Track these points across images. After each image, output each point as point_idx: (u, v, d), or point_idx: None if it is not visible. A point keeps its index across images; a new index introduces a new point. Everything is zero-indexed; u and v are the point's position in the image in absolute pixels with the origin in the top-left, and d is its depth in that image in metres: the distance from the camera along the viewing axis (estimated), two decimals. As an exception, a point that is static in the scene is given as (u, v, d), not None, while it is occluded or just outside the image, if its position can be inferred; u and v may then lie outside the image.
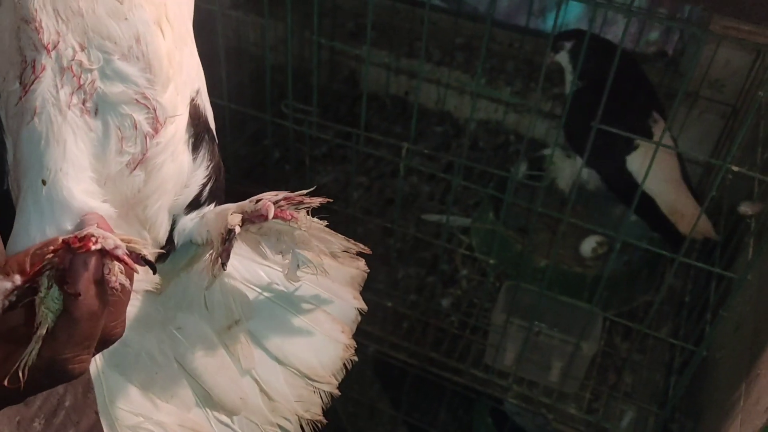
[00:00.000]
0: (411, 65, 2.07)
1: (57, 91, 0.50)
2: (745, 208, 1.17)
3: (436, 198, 1.86)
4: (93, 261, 0.48)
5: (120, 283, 0.49)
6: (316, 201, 0.60)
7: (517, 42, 1.98)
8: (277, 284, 0.68)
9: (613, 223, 1.73)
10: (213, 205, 0.63)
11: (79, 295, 0.48)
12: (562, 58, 1.56)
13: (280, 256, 0.63)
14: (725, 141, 1.70)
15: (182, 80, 0.56)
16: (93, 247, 0.47)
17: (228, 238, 0.58)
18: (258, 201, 0.59)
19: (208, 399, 0.67)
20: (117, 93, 0.51)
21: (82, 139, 0.51)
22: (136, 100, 0.52)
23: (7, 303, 0.48)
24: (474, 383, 1.45)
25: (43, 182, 0.51)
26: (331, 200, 0.61)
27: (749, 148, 1.55)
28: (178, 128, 0.56)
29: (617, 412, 1.43)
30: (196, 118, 0.58)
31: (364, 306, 0.71)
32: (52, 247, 0.48)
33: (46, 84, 0.50)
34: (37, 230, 0.51)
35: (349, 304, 0.71)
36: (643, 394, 1.46)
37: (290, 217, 0.58)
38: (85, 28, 0.49)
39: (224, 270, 0.59)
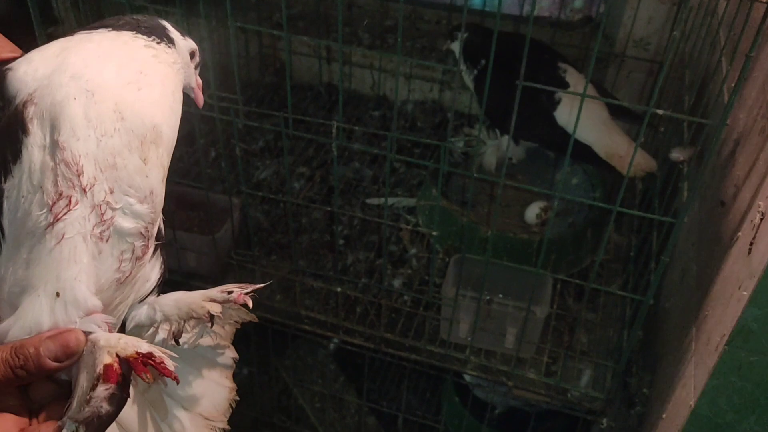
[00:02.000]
0: (342, 51, 2.05)
1: (85, 223, 0.60)
2: (676, 154, 1.19)
3: (379, 181, 1.85)
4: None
5: None
6: (262, 286, 0.75)
7: (445, 19, 1.98)
8: (179, 346, 0.81)
9: (556, 189, 1.75)
10: (156, 293, 0.75)
11: (128, 397, 0.60)
12: (455, 47, 1.58)
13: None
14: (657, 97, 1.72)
15: (160, 215, 0.70)
16: (169, 373, 0.61)
17: (210, 321, 0.72)
18: (230, 292, 0.73)
19: None
20: (130, 228, 0.63)
21: (93, 262, 0.61)
22: (141, 233, 0.64)
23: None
24: (432, 359, 1.44)
25: (58, 294, 0.60)
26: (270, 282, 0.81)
27: (677, 99, 1.57)
28: (152, 244, 0.69)
29: (575, 372, 1.44)
30: (158, 235, 0.71)
31: (237, 356, 0.85)
32: (130, 355, 0.60)
33: (77, 216, 0.59)
34: (49, 322, 0.61)
35: (228, 355, 0.84)
36: (599, 351, 1.47)
37: (246, 301, 0.73)
38: (116, 177, 0.60)
39: (178, 345, 0.75)
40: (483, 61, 1.62)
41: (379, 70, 2.03)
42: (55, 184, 0.58)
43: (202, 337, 0.79)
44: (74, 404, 0.58)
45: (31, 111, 0.58)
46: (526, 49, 1.02)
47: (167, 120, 0.64)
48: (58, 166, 0.58)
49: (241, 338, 0.88)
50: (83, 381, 0.59)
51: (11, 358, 0.57)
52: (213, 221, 1.49)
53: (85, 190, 0.59)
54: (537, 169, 1.78)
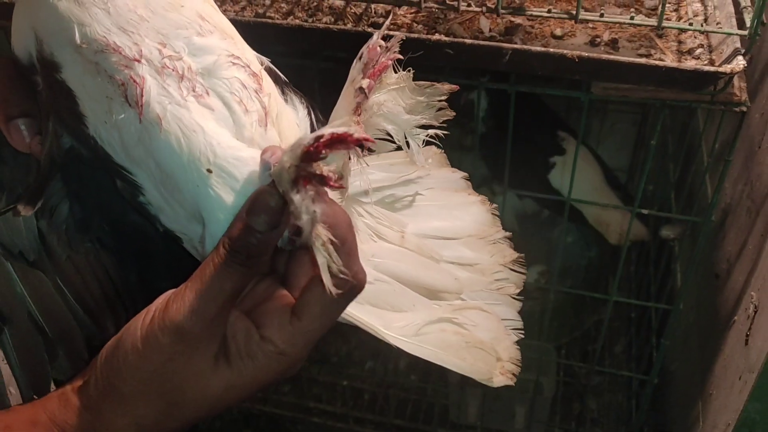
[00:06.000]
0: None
1: (167, 91, 0.52)
2: (666, 232, 1.19)
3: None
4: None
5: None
6: (398, 40, 0.58)
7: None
8: (400, 176, 0.71)
9: (552, 247, 1.75)
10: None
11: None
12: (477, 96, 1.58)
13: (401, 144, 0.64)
14: (640, 147, 1.74)
15: (243, 41, 0.59)
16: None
17: (362, 100, 0.56)
18: (360, 57, 0.57)
19: (434, 294, 0.69)
20: (213, 62, 0.54)
21: (214, 122, 0.53)
22: (231, 62, 0.55)
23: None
24: (443, 442, 1.45)
25: (209, 171, 0.52)
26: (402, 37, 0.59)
27: (659, 154, 1.58)
28: (268, 80, 0.59)
29: (588, 441, 1.44)
30: (267, 71, 0.61)
31: (466, 174, 0.76)
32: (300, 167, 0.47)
33: (154, 89, 0.52)
34: (235, 200, 0.52)
35: (456, 175, 0.76)
36: (609, 417, 1.47)
37: (391, 60, 0.57)
38: (155, 28, 0.53)
39: (374, 151, 0.61)
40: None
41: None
42: (111, 77, 0.52)
43: (419, 147, 0.64)
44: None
45: (42, 51, 0.53)
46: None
47: None
48: (98, 65, 0.52)
49: None
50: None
51: (231, 255, 0.49)
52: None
53: (138, 60, 0.52)
54: (531, 228, 1.78)
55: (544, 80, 1.03)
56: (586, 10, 0.93)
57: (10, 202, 0.59)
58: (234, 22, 0.94)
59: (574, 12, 0.85)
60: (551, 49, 0.84)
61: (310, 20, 0.98)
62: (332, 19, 0.98)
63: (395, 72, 0.59)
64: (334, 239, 0.48)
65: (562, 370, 1.53)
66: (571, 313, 1.58)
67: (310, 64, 1.04)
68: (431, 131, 0.64)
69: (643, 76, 0.83)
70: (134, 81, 0.52)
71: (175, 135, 0.52)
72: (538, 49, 0.84)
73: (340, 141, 0.47)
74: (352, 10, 0.99)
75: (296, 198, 0.48)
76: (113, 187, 0.57)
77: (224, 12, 0.99)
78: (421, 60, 0.62)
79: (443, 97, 0.63)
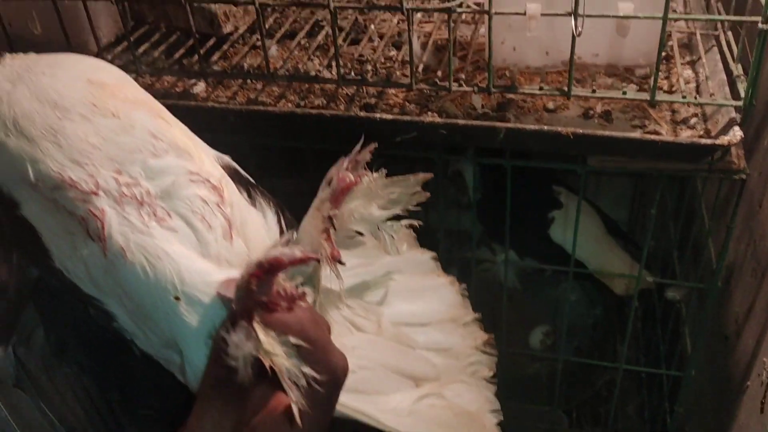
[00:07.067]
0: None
1: (128, 220, 0.51)
2: (672, 294, 1.17)
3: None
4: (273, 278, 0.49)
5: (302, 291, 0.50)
6: (368, 152, 0.60)
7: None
8: (372, 261, 0.72)
9: (556, 306, 1.73)
10: (294, 234, 0.63)
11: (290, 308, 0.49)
12: (464, 166, 1.57)
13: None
14: (639, 200, 1.73)
15: (201, 150, 0.58)
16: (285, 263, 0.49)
17: (329, 226, 0.57)
18: (329, 182, 0.59)
19: (415, 379, 0.71)
20: (171, 184, 0.53)
21: (177, 244, 0.52)
22: (190, 180, 0.54)
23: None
24: None
25: (177, 299, 0.51)
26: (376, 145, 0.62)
27: (659, 213, 1.57)
28: (231, 188, 0.58)
29: None
30: (230, 173, 0.61)
31: (434, 253, 0.78)
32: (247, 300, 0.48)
33: (115, 221, 0.51)
34: (208, 327, 0.51)
35: (425, 256, 0.78)
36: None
37: (359, 179, 0.59)
38: (108, 156, 0.51)
39: (344, 264, 0.59)
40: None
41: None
42: (71, 213, 0.51)
43: (393, 239, 0.66)
44: None
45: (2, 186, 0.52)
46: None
47: (97, 62, 0.56)
48: (56, 201, 0.50)
49: None
50: None
51: (222, 391, 0.49)
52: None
53: (95, 193, 0.51)
54: (534, 287, 1.76)
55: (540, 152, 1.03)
56: (578, 80, 0.93)
57: None
58: (226, 110, 0.95)
59: (566, 88, 0.85)
60: (545, 127, 0.84)
61: (303, 102, 0.99)
62: (324, 101, 0.98)
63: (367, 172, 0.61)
64: (304, 344, 0.48)
65: (575, 435, 1.49)
66: (580, 375, 1.54)
67: (304, 146, 1.04)
68: (405, 222, 0.67)
69: (639, 150, 0.83)
70: (94, 215, 0.51)
71: (141, 264, 0.51)
72: (532, 127, 0.84)
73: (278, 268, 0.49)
74: (344, 91, 1.00)
75: (230, 339, 0.48)
76: (87, 312, 0.56)
77: (216, 98, 1.01)
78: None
79: (417, 188, 0.65)
